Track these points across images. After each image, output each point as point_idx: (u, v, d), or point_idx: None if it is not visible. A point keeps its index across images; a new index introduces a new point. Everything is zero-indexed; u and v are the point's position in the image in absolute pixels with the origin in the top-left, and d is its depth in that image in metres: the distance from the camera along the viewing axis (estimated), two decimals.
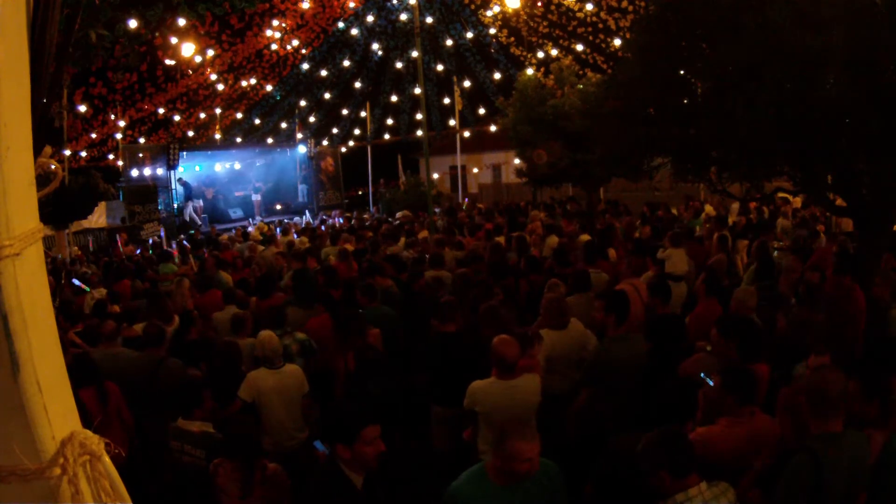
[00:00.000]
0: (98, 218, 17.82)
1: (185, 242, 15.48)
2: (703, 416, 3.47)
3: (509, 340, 4.13)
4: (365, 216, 20.36)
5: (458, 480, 3.01)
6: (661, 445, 2.75)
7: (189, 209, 22.42)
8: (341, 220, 18.66)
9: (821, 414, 2.91)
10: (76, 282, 8.88)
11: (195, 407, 4.05)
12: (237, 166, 26.57)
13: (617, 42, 15.94)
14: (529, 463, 2.80)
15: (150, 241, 16.58)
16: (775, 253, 8.11)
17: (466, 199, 19.95)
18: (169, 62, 15.35)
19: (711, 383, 3.71)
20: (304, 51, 21.44)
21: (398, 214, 17.30)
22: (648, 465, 2.74)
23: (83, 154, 22.47)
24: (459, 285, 6.70)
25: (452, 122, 26.71)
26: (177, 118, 22.84)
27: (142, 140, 23.33)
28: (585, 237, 9.47)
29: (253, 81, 21.95)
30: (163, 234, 15.68)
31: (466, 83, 25.05)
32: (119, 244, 15.11)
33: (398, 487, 3.74)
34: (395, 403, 4.98)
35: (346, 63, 25.27)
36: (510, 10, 17.69)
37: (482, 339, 5.20)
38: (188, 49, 13.04)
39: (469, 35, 23.91)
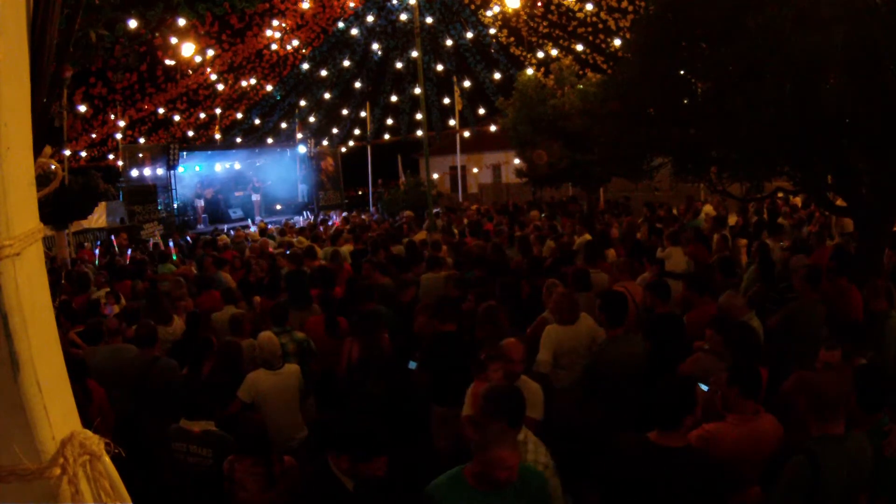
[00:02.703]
0: (98, 218, 17.81)
1: (184, 241, 15.47)
2: (703, 414, 3.47)
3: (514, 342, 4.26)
4: (363, 216, 20.38)
5: (435, 482, 2.97)
6: (499, 399, 3.29)
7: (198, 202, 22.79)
8: (337, 220, 18.67)
9: (820, 415, 2.91)
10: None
11: (200, 409, 4.05)
12: (237, 166, 26.57)
13: (617, 42, 15.95)
14: (509, 471, 2.77)
15: (150, 242, 16.58)
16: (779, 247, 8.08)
17: (468, 206, 20.00)
18: (169, 62, 15.36)
19: (705, 389, 3.71)
20: (304, 51, 21.45)
21: (405, 213, 17.36)
22: (489, 410, 3.23)
23: (83, 154, 22.49)
24: (454, 286, 6.70)
25: (452, 122, 26.73)
26: (177, 118, 22.85)
27: (142, 140, 23.34)
28: (586, 237, 9.47)
29: (253, 81, 21.96)
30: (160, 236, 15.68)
31: (466, 83, 25.06)
32: (115, 244, 15.07)
33: (397, 488, 3.74)
34: (394, 403, 4.97)
35: (346, 63, 25.28)
36: (510, 10, 17.70)
37: (475, 341, 5.21)
38: (188, 49, 13.04)
39: (469, 35, 23.92)
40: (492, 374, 3.97)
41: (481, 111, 27.31)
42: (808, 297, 5.52)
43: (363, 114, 27.76)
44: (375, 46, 25.72)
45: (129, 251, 13.40)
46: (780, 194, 10.04)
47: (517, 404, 3.31)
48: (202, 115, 23.70)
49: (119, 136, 21.44)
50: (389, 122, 30.17)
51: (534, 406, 4.05)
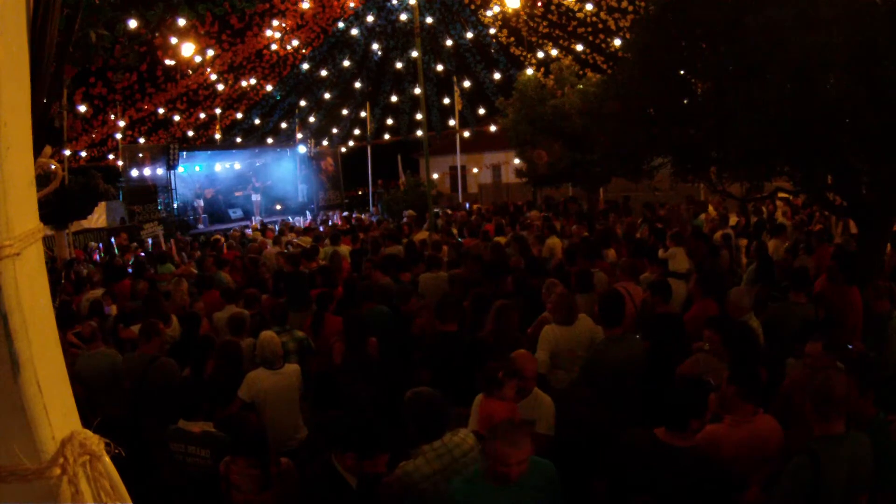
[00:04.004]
0: (98, 218, 17.81)
1: (183, 238, 15.44)
2: (712, 417, 3.48)
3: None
4: (363, 216, 20.37)
5: (454, 480, 3.02)
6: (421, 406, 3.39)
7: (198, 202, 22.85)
8: (338, 220, 18.66)
9: (823, 415, 2.91)
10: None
11: (200, 409, 4.04)
12: (237, 166, 26.58)
13: (617, 42, 15.95)
14: (515, 467, 2.79)
15: (150, 242, 16.57)
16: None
17: (468, 205, 20.00)
18: (169, 62, 15.35)
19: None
20: (304, 51, 21.45)
21: (407, 213, 17.37)
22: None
23: (83, 154, 22.49)
24: (454, 286, 6.69)
25: (452, 122, 26.72)
26: (177, 118, 22.85)
27: (142, 140, 23.34)
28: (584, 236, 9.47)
29: (253, 81, 21.96)
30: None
31: (466, 83, 25.05)
32: (114, 245, 15.07)
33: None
34: (387, 404, 4.95)
35: (346, 63, 25.29)
36: (510, 10, 17.69)
37: (481, 338, 5.21)
38: (188, 49, 13.03)
39: (469, 35, 23.92)
40: (507, 392, 3.80)
41: (481, 111, 27.30)
42: (793, 298, 5.53)
43: (363, 114, 27.77)
44: (375, 46, 25.73)
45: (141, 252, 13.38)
46: (788, 196, 10.03)
47: (439, 411, 3.38)
48: (202, 115, 23.70)
49: (119, 136, 21.44)
50: (389, 122, 30.18)
51: (544, 421, 3.94)
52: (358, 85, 27.15)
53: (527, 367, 3.99)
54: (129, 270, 9.91)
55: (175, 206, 21.57)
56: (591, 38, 17.20)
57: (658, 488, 2.97)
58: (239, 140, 27.26)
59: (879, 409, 3.26)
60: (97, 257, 13.68)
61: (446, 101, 27.02)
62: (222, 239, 14.49)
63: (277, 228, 16.38)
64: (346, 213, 22.27)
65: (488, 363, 3.98)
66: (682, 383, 3.33)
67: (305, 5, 16.53)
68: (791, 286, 5.64)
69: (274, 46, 19.50)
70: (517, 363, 3.96)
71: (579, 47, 18.21)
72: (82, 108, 16.47)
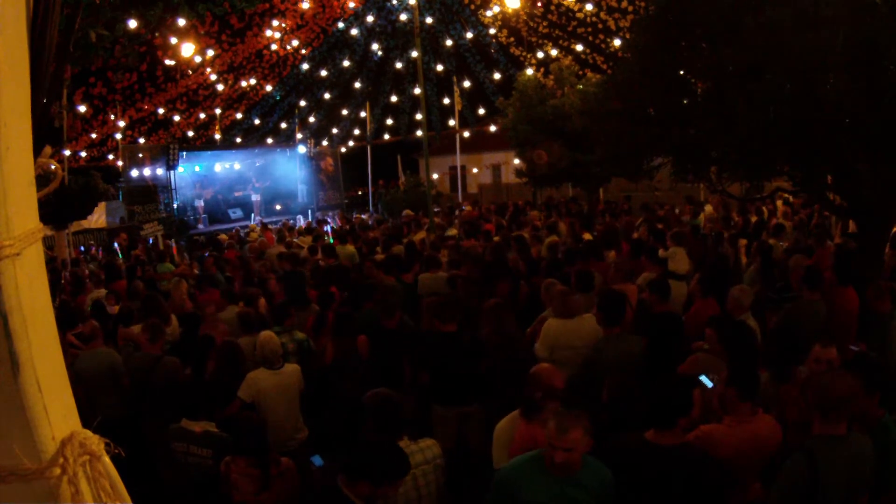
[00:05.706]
0: (98, 218, 17.81)
1: (181, 243, 15.44)
2: (700, 415, 3.48)
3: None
4: (363, 216, 20.36)
5: (515, 461, 3.06)
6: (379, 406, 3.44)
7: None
8: (334, 221, 18.64)
9: (823, 416, 2.91)
10: None
11: (201, 409, 4.04)
12: (237, 166, 26.56)
13: (617, 42, 15.96)
14: (560, 452, 2.82)
15: (150, 242, 16.57)
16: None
17: (463, 208, 19.95)
18: (169, 62, 15.35)
19: (710, 385, 3.70)
20: (304, 51, 21.46)
21: (404, 213, 17.39)
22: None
23: (83, 154, 22.50)
24: (454, 287, 6.68)
25: (452, 122, 26.72)
26: (177, 118, 22.85)
27: (142, 140, 23.34)
28: (587, 236, 9.46)
29: (253, 81, 21.97)
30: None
31: (466, 83, 25.05)
32: (117, 246, 15.07)
33: None
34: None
35: (346, 63, 25.29)
36: (510, 10, 17.71)
37: (480, 338, 5.20)
38: (188, 49, 13.03)
39: (469, 35, 23.93)
40: (548, 414, 3.39)
41: (481, 111, 27.32)
42: (807, 297, 5.53)
43: (363, 114, 27.75)
44: (375, 46, 25.73)
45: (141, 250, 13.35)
46: (787, 195, 10.04)
47: (395, 411, 3.46)
48: (202, 115, 23.71)
49: (119, 136, 21.45)
50: (389, 122, 30.17)
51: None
52: (358, 85, 27.15)
53: (556, 381, 3.66)
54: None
55: (175, 206, 21.56)
56: (591, 38, 17.22)
57: (655, 488, 2.97)
58: (239, 140, 27.24)
59: (885, 410, 3.26)
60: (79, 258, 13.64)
61: (446, 101, 27.00)
62: (226, 238, 14.49)
63: (277, 229, 16.37)
64: (356, 215, 22.25)
65: (524, 387, 3.69)
66: (667, 382, 3.33)
67: (305, 5, 16.53)
68: (805, 285, 5.63)
69: (274, 46, 19.50)
70: (542, 379, 3.63)
71: (579, 47, 18.23)
72: (82, 108, 16.49)
